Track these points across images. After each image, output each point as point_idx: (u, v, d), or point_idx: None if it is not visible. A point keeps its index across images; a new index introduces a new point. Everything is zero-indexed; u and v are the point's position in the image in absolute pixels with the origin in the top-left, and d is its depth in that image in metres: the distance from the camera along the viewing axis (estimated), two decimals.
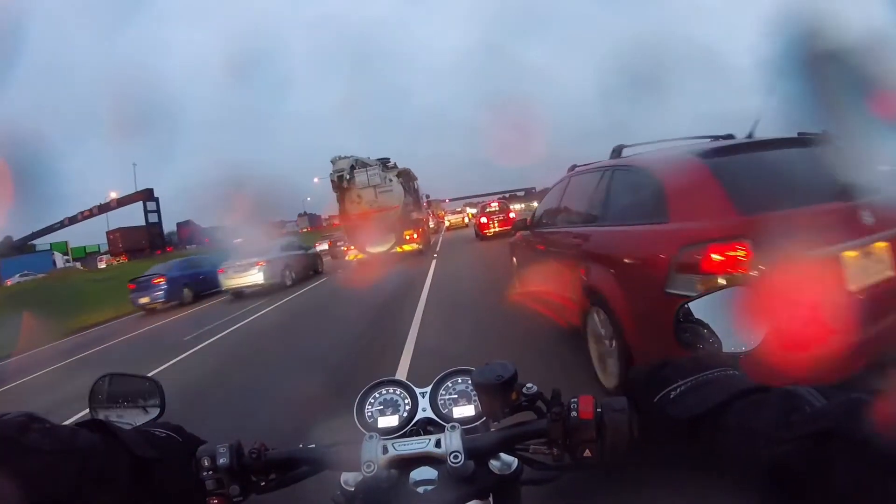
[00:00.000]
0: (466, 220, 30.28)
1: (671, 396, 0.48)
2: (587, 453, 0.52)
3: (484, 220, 17.55)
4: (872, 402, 0.35)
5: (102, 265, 45.18)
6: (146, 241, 57.66)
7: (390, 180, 14.89)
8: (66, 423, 0.53)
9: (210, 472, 0.57)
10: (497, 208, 18.14)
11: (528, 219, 4.73)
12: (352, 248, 15.43)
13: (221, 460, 0.57)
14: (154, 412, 0.68)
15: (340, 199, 14.85)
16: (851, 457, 0.34)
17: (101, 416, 0.67)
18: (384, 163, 15.18)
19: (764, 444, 0.40)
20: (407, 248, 14.87)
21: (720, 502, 0.48)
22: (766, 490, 0.39)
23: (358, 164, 14.71)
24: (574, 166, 3.95)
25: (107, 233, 59.29)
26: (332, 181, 14.59)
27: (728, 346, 0.62)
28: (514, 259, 5.34)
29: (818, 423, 0.37)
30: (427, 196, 23.07)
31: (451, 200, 44.27)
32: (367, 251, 14.50)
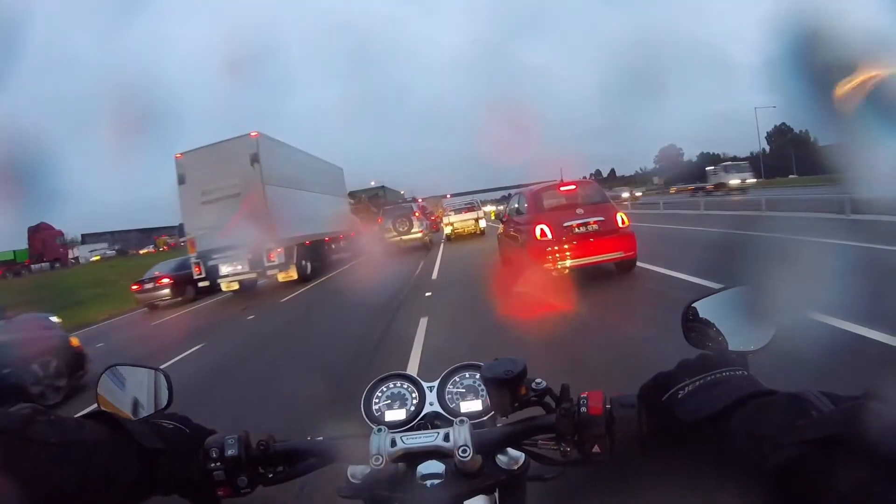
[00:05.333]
0: (482, 223, 19.65)
1: (679, 396, 0.49)
2: (596, 449, 0.53)
3: (544, 231, 6.65)
4: (879, 408, 0.34)
5: None
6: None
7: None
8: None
9: (218, 464, 0.58)
10: (581, 198, 7.18)
11: None
12: None
13: (230, 451, 0.58)
14: (161, 403, 0.67)
15: None
16: (857, 463, 0.34)
17: (108, 407, 0.65)
18: None
19: (769, 448, 0.40)
20: None
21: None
22: (771, 494, 0.39)
23: None
24: None
25: (28, 229, 49.52)
26: None
27: (735, 345, 0.61)
28: None
29: (824, 428, 0.37)
30: None
31: (452, 196, 34.91)
32: None
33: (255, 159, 11.89)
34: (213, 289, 12.58)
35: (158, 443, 0.54)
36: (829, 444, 0.36)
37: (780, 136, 58.98)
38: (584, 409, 0.53)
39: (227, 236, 11.59)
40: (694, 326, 0.65)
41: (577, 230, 6.61)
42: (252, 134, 12.12)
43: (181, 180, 12.32)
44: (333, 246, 16.74)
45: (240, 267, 11.94)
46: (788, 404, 0.41)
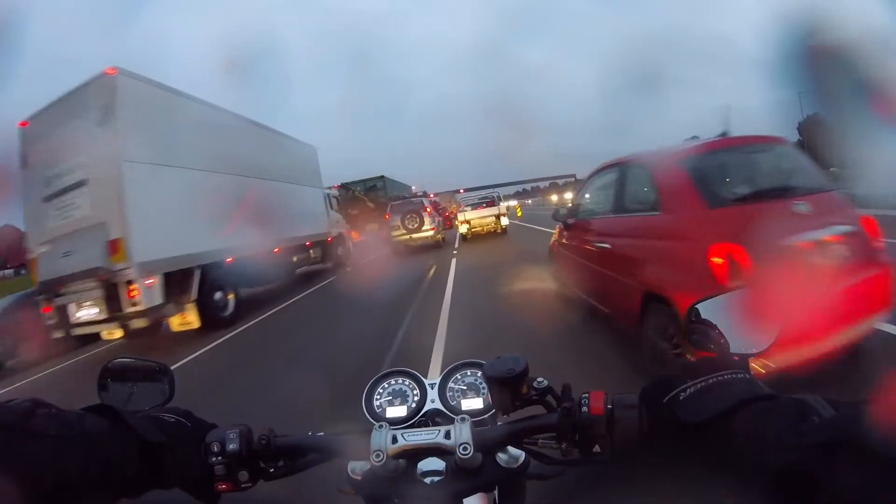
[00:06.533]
0: (504, 221, 16.91)
1: (680, 398, 0.48)
2: (597, 448, 0.52)
3: (733, 260, 2.30)
4: (881, 413, 0.34)
5: None
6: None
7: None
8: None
9: (219, 458, 0.57)
10: (785, 179, 2.81)
11: None
12: None
13: (231, 446, 0.57)
14: (163, 397, 0.67)
15: None
16: (858, 468, 0.34)
17: (109, 400, 0.62)
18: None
19: (770, 451, 0.39)
20: None
21: None
22: (772, 497, 0.39)
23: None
24: None
25: None
26: None
27: (737, 348, 0.60)
28: None
29: (826, 433, 0.37)
30: None
31: (465, 191, 32.70)
32: None
33: (108, 114, 6.27)
34: (93, 337, 6.94)
35: (160, 436, 0.54)
36: (830, 448, 0.36)
37: (814, 125, 54.24)
38: (585, 408, 0.53)
39: (70, 256, 6.62)
40: (696, 328, 0.64)
41: (810, 257, 2.48)
42: (107, 71, 6.43)
43: (24, 162, 7.06)
44: (295, 258, 11.05)
45: (95, 310, 6.50)
46: (790, 408, 0.41)
